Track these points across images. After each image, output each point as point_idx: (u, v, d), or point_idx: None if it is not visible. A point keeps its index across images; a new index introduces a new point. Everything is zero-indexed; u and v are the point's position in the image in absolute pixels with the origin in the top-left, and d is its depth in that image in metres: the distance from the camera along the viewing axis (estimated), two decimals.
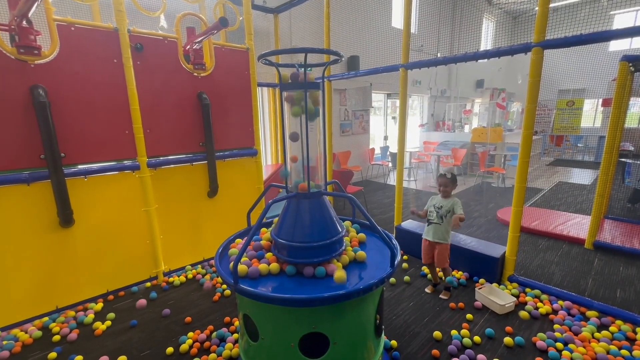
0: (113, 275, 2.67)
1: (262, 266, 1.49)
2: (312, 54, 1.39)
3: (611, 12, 9.48)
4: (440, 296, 2.59)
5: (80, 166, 2.44)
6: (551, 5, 2.33)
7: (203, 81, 2.95)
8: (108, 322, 2.32)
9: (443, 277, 2.64)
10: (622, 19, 9.92)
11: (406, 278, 2.86)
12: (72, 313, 2.43)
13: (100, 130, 2.49)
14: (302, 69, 1.43)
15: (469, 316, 2.32)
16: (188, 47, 2.81)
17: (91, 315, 2.39)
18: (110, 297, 2.65)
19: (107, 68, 2.46)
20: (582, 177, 7.50)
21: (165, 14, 2.85)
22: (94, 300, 2.59)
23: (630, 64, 3.21)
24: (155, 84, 2.70)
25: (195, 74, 2.89)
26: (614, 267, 3.04)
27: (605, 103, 7.98)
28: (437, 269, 2.69)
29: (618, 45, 10.04)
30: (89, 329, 2.27)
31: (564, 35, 2.28)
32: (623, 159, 4.65)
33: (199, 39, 2.68)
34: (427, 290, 2.70)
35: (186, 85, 2.86)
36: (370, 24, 6.88)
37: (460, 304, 2.45)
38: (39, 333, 2.21)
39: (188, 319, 2.36)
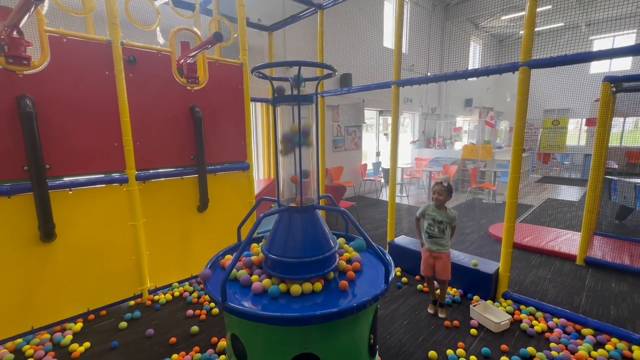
0: (95, 293, 2.55)
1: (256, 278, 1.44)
2: (306, 68, 1.39)
3: (590, 38, 10.00)
4: (439, 315, 2.50)
5: (66, 178, 2.36)
6: (535, 29, 2.42)
7: (196, 95, 2.94)
8: (87, 344, 2.19)
9: (440, 293, 2.55)
10: (600, 44, 10.45)
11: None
12: (47, 335, 2.28)
13: (89, 142, 2.43)
14: (295, 83, 1.43)
15: (473, 331, 2.29)
16: (182, 60, 2.82)
17: (69, 336, 2.25)
18: (91, 316, 2.51)
19: (99, 80, 2.43)
20: (570, 194, 7.64)
21: (160, 29, 2.87)
22: (73, 320, 2.45)
23: (612, 85, 3.33)
24: (147, 97, 2.68)
25: (189, 88, 2.89)
26: (606, 284, 3.04)
27: (589, 122, 8.26)
28: (435, 282, 2.62)
29: (598, 68, 10.54)
30: (65, 351, 2.13)
31: (550, 56, 2.37)
32: (609, 177, 4.76)
33: (193, 53, 2.69)
34: (429, 310, 2.57)
35: (179, 99, 2.84)
36: (362, 44, 7.07)
37: (455, 322, 2.40)
38: (10, 356, 2.06)
39: (173, 339, 2.24)
